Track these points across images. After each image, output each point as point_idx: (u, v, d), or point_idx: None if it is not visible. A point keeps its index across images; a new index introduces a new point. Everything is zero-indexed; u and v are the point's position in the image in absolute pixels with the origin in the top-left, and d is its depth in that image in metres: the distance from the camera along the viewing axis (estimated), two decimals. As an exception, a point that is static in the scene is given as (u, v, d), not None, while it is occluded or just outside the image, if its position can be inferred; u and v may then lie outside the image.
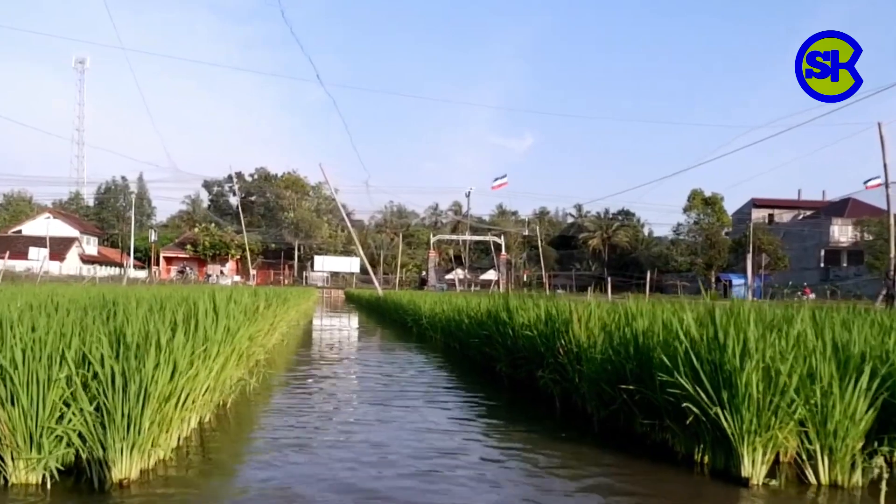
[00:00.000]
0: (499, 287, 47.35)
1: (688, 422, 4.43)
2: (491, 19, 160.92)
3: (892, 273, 15.94)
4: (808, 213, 79.61)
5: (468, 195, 69.65)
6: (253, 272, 67.77)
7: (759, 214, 78.07)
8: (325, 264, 68.79)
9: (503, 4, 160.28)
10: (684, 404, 4.36)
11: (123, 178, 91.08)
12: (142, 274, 59.52)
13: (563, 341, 6.53)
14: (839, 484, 4.21)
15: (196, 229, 71.01)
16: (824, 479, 4.24)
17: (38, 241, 59.94)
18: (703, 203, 66.90)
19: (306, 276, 70.72)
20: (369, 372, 9.74)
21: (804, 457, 4.30)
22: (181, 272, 62.18)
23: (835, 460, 4.22)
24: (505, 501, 3.94)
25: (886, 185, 15.96)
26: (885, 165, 15.94)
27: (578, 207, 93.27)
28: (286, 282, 66.55)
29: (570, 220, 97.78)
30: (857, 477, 4.21)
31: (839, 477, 4.22)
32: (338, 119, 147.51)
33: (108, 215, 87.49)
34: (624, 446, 5.19)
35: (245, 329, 7.02)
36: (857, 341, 4.50)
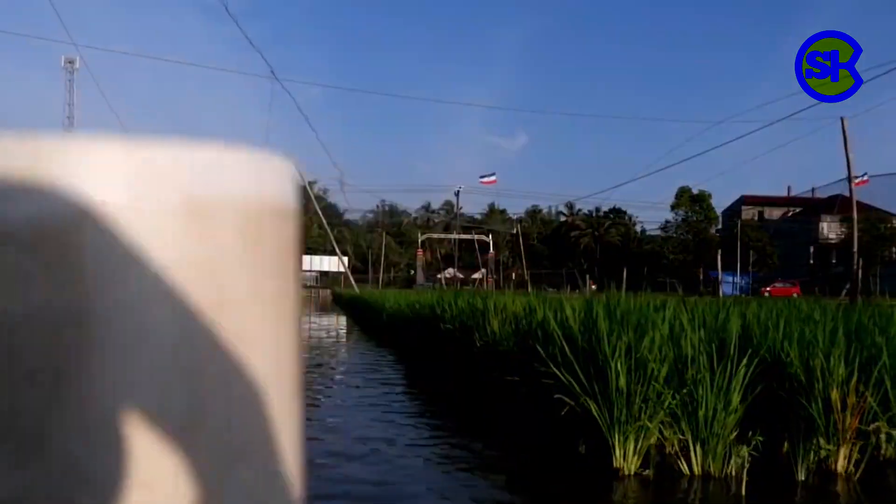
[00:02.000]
0: (484, 285, 47.32)
1: (563, 413, 4.41)
2: (481, 17, 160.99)
3: (855, 268, 15.95)
4: (798, 209, 79.76)
5: (457, 194, 69.68)
6: (242, 272, 67.60)
7: (749, 212, 78.17)
8: (312, 264, 68.77)
9: (493, 4, 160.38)
10: (556, 395, 4.34)
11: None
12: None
13: (478, 334, 6.51)
14: (711, 474, 4.19)
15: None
16: (697, 468, 4.23)
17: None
18: (691, 200, 66.99)
19: (296, 276, 70.70)
20: (316, 362, 9.73)
21: (678, 447, 4.29)
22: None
23: (707, 450, 4.21)
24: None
25: (850, 179, 15.98)
26: (847, 161, 15.95)
27: (570, 206, 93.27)
28: (275, 282, 66.43)
29: (562, 218, 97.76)
30: (732, 467, 4.19)
31: (711, 467, 4.20)
32: (335, 117, 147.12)
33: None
34: (519, 438, 5.17)
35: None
36: (734, 333, 4.47)
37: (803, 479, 4.18)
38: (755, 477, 4.16)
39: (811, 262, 70.00)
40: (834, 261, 68.80)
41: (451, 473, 4.35)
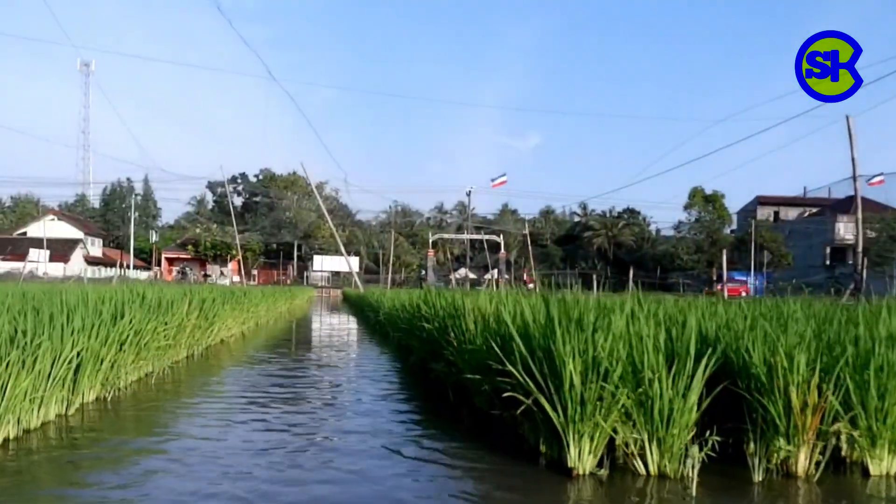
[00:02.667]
0: (495, 286, 47.15)
1: (518, 411, 4.37)
2: (493, 18, 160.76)
3: (859, 268, 15.73)
4: (814, 210, 78.78)
5: (469, 194, 69.54)
6: (255, 272, 68.02)
7: (764, 212, 77.34)
8: (323, 264, 68.92)
9: (503, 4, 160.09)
10: (506, 393, 4.31)
11: (129, 179, 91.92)
12: (144, 275, 59.84)
13: (454, 333, 6.49)
14: (667, 474, 4.14)
15: (198, 229, 71.30)
16: (653, 468, 4.17)
17: (41, 243, 60.50)
18: (704, 200, 66.45)
19: (307, 276, 70.91)
20: (307, 362, 9.73)
21: (634, 447, 4.23)
22: (180, 273, 62.49)
23: (663, 450, 4.15)
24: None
25: (854, 177, 15.75)
26: (853, 160, 15.72)
27: (583, 206, 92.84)
28: (287, 282, 66.73)
29: (575, 218, 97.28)
30: (689, 467, 4.11)
31: (667, 467, 4.14)
32: (349, 119, 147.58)
33: (114, 217, 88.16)
34: (488, 436, 5.13)
35: (143, 322, 7.03)
36: (693, 333, 4.40)
37: (760, 479, 4.12)
38: (712, 477, 4.10)
39: (827, 262, 69.15)
40: (850, 261, 67.89)
41: (411, 469, 4.33)
